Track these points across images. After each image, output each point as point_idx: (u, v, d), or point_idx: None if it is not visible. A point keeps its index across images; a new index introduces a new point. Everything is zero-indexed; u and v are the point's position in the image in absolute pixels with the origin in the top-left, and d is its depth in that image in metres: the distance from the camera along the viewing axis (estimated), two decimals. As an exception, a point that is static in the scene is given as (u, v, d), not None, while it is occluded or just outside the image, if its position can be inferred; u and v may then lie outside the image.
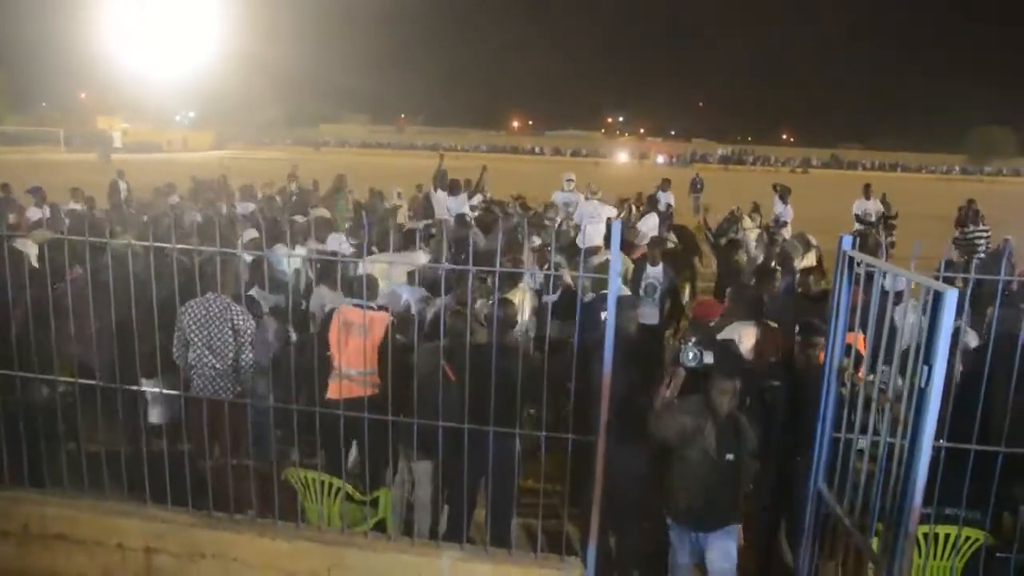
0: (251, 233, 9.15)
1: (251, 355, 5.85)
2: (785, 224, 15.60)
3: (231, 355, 5.80)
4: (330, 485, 5.11)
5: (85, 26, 75.33)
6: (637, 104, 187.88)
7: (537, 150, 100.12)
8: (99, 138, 64.61)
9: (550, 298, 7.25)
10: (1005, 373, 4.33)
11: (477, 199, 15.10)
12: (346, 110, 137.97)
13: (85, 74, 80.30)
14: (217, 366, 5.78)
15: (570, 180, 15.29)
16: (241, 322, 5.79)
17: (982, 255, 13.58)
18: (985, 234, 14.45)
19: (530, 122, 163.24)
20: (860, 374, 4.23)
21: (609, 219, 12.92)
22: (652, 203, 15.56)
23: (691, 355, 4.77)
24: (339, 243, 7.79)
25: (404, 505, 5.79)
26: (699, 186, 31.12)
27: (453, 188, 14.25)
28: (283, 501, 5.10)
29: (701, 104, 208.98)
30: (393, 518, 5.45)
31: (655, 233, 12.96)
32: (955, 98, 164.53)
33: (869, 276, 3.89)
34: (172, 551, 4.98)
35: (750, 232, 14.10)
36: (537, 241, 10.00)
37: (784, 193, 16.32)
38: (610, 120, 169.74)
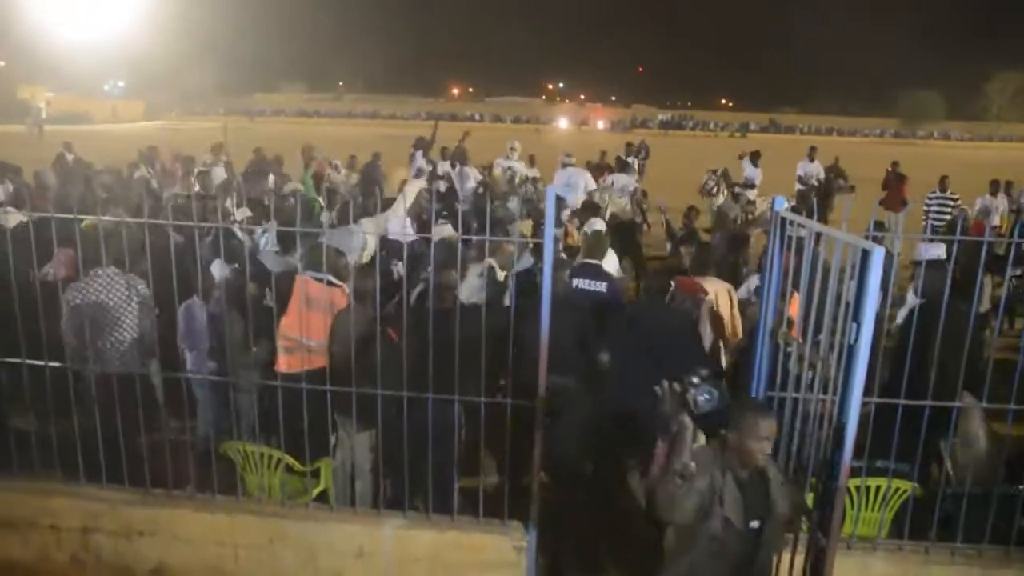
0: (244, 212, 9.01)
1: (151, 324, 5.80)
2: (754, 186, 15.97)
3: (137, 327, 5.72)
4: (270, 457, 5.06)
5: (3, -10, 72.17)
6: (577, 70, 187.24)
7: (477, 117, 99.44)
8: (23, 108, 62.03)
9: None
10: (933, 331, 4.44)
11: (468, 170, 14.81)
12: (282, 78, 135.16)
13: (3, 40, 77.01)
14: (127, 339, 5.69)
15: (513, 149, 15.17)
16: (143, 289, 5.72)
17: (937, 223, 13.96)
18: (951, 202, 14.72)
19: (470, 89, 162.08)
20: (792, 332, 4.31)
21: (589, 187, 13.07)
22: (622, 165, 15.63)
23: (704, 397, 3.34)
24: (404, 225, 7.50)
25: (346, 475, 5.76)
26: (644, 153, 31.24)
27: (455, 157, 14.11)
28: (222, 474, 5.04)
29: (641, 70, 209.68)
30: (335, 488, 5.42)
31: (628, 192, 13.16)
32: (888, 63, 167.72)
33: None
34: (109, 530, 4.90)
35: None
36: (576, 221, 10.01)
37: (754, 156, 16.69)
38: (550, 86, 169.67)
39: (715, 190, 14.33)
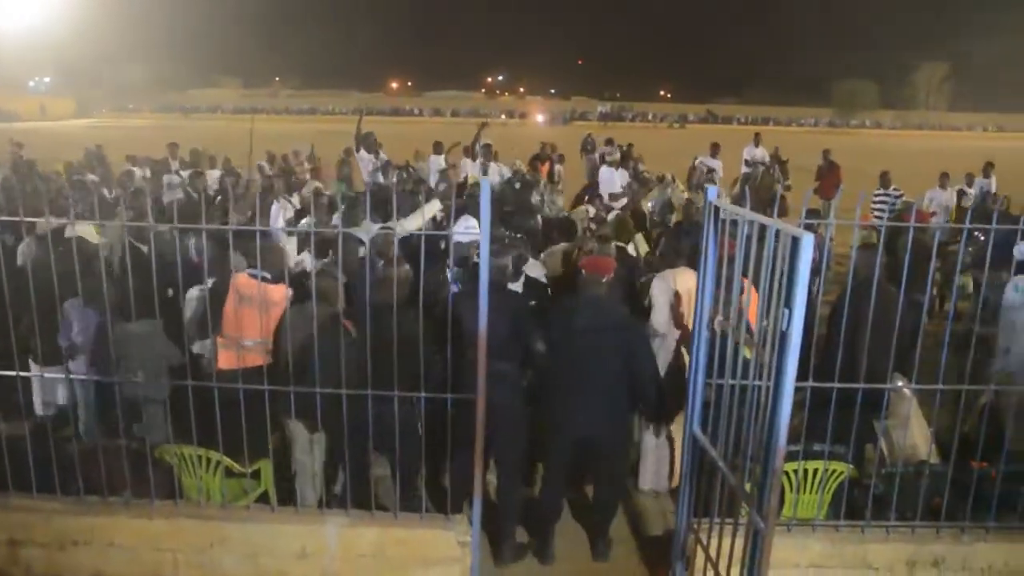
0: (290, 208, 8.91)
1: None
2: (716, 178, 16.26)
3: None
4: (208, 459, 4.97)
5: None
6: (516, 63, 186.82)
7: (417, 111, 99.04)
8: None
9: None
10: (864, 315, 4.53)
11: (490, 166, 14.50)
12: (216, 74, 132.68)
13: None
14: None
15: (487, 145, 14.79)
16: None
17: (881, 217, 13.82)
18: (890, 197, 14.29)
19: (409, 83, 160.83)
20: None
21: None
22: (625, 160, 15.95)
23: None
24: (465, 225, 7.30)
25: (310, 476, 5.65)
26: (591, 147, 30.54)
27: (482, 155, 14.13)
28: (160, 479, 4.93)
29: (580, 62, 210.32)
30: (297, 488, 5.35)
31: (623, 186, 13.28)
32: (822, 53, 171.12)
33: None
34: (40, 541, 4.74)
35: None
36: None
37: (714, 149, 16.98)
38: (489, 80, 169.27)
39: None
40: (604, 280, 5.23)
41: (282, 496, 5.19)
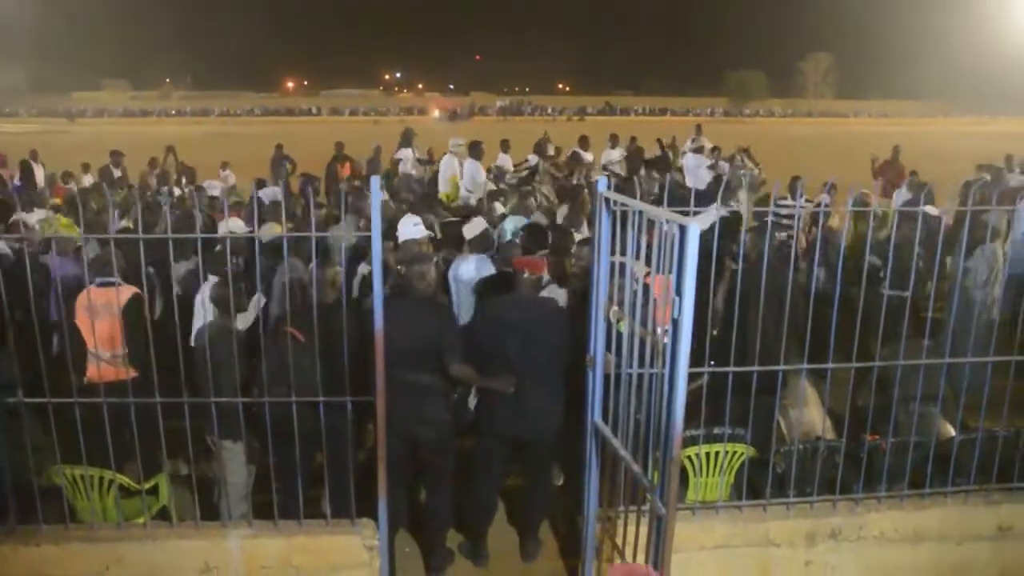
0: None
1: None
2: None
3: None
4: (101, 479, 4.75)
5: None
6: (414, 60, 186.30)
7: (314, 111, 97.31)
8: None
9: None
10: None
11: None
12: (102, 76, 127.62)
13: None
14: None
15: (459, 144, 13.24)
16: None
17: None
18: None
19: (305, 82, 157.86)
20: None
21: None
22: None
23: None
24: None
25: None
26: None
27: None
28: (50, 503, 4.69)
29: (478, 57, 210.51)
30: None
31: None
32: (712, 45, 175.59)
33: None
34: (-88, 579, 4.47)
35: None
36: None
37: (614, 140, 17.04)
38: (387, 77, 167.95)
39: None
40: (537, 278, 5.28)
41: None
